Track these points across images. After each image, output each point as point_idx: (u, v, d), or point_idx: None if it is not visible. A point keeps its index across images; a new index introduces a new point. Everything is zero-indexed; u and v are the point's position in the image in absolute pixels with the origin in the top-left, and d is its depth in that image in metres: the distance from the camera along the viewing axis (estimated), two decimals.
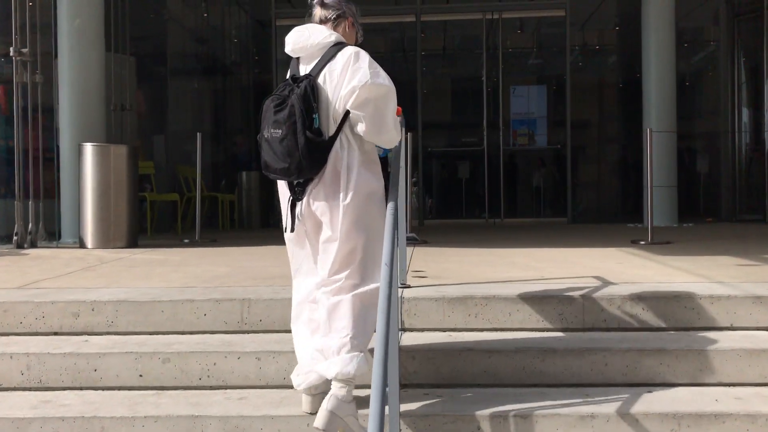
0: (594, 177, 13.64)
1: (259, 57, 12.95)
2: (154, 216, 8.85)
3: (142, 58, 10.24)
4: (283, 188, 2.88)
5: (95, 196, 6.23)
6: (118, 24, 9.22)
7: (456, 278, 4.29)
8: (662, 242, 6.50)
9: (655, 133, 8.39)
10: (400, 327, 3.60)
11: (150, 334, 3.57)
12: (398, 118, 2.90)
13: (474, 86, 11.54)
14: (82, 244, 6.33)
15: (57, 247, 6.40)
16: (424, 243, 6.85)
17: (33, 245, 6.38)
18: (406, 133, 7.01)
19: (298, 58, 2.86)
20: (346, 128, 2.77)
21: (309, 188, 2.78)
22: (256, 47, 13.19)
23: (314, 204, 2.79)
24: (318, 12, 2.92)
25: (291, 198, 2.82)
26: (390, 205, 2.80)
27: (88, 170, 6.25)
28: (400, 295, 3.66)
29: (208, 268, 4.96)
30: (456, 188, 12.38)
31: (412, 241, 6.82)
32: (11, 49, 6.53)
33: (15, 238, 6.23)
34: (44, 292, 3.93)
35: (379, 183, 2.90)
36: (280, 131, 2.66)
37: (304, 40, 2.81)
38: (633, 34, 9.66)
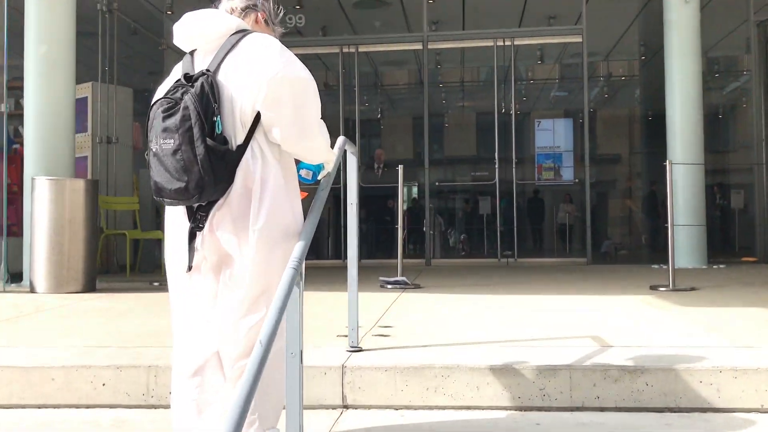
0: (617, 214, 12.85)
1: None
2: (138, 255, 8.32)
3: (141, 90, 9.85)
4: (175, 216, 2.22)
5: (47, 235, 5.66)
6: (106, 54, 8.83)
7: (428, 337, 3.60)
8: (685, 289, 5.70)
9: (681, 166, 7.69)
10: (341, 403, 2.90)
11: (36, 407, 2.92)
12: (323, 124, 2.28)
13: (486, 118, 10.91)
14: (32, 288, 5.74)
15: (4, 292, 5.82)
16: (416, 288, 6.14)
17: None
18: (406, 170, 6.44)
19: (192, 53, 2.26)
20: (258, 134, 2.15)
21: (212, 212, 2.13)
22: None
23: (219, 231, 2.14)
24: (223, 4, 2.36)
25: (191, 227, 2.15)
26: (297, 247, 2.11)
27: (40, 206, 5.69)
28: (344, 362, 2.98)
29: (150, 320, 4.31)
30: (467, 225, 11.70)
31: (401, 286, 6.13)
32: None
33: None
34: None
35: (297, 215, 2.27)
36: (171, 141, 2.04)
37: (197, 28, 2.22)
38: (659, 63, 8.98)
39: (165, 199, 2.13)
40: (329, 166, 2.47)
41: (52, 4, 6.40)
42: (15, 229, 7.16)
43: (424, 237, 10.19)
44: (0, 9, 6.90)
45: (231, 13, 2.33)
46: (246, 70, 2.12)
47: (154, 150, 2.09)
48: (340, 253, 10.23)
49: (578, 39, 9.76)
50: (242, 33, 2.21)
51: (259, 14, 2.37)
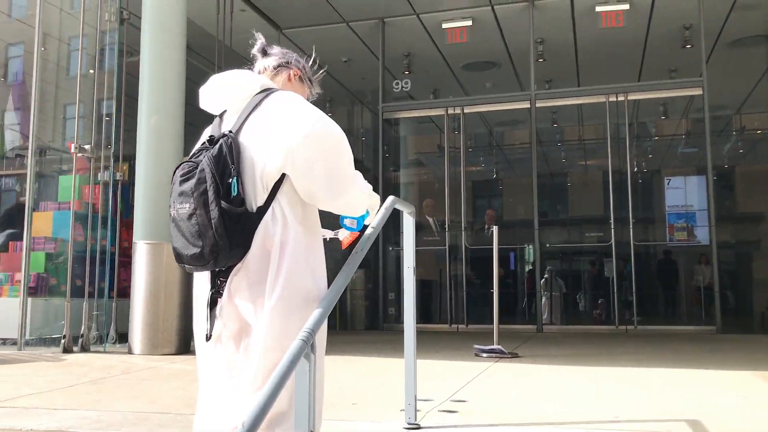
0: (752, 278, 11.72)
1: (390, 154, 12.62)
2: None
3: None
4: (201, 282, 2.11)
5: (144, 298, 5.83)
6: None
7: (501, 414, 3.29)
8: None
9: None
10: None
11: None
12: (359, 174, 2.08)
13: (605, 176, 10.40)
14: (130, 350, 5.90)
15: (105, 352, 6.01)
16: (512, 357, 5.77)
17: (84, 349, 6.05)
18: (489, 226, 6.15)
19: (221, 116, 2.18)
20: (280, 195, 2.02)
21: (230, 277, 2.01)
22: (386, 145, 12.91)
23: (236, 297, 2.02)
24: (258, 63, 2.28)
25: (211, 293, 2.04)
26: (313, 315, 1.94)
27: (140, 269, 5.90)
28: None
29: None
30: (584, 290, 11.08)
31: (496, 355, 5.78)
32: (72, 145, 6.49)
33: (63, 341, 5.93)
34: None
35: (319, 280, 2.10)
36: (187, 205, 1.94)
37: (221, 91, 2.14)
38: None
39: (185, 265, 2.03)
40: (373, 212, 2.31)
41: (164, 77, 6.75)
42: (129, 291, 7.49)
43: (539, 302, 9.72)
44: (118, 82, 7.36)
45: (262, 73, 2.26)
46: (269, 131, 2.02)
47: (172, 215, 2.01)
48: (446, 317, 9.97)
49: (698, 92, 9.16)
50: (267, 92, 2.11)
51: (291, 72, 2.27)
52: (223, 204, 1.92)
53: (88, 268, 6.47)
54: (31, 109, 6.91)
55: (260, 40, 2.29)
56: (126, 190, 7.36)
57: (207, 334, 2.07)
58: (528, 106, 9.87)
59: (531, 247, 10.01)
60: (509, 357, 5.75)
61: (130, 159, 7.08)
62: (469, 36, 9.93)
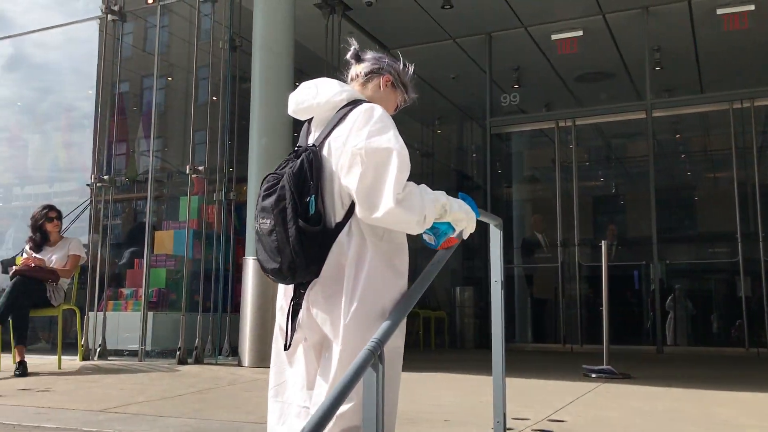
0: None
1: (502, 170, 12.47)
2: None
3: None
4: (285, 290, 2.17)
5: (252, 312, 6.03)
6: None
7: None
8: None
9: None
10: None
11: None
12: (419, 192, 1.98)
13: (725, 189, 9.76)
14: (240, 362, 6.11)
15: (216, 364, 6.25)
16: (623, 378, 5.49)
17: (198, 361, 6.32)
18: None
19: (309, 123, 2.20)
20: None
21: (308, 289, 2.05)
22: (498, 160, 12.75)
23: (313, 309, 2.05)
24: (351, 70, 2.29)
25: (293, 303, 2.09)
26: (381, 327, 1.92)
27: (248, 284, 6.11)
28: None
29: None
30: (711, 309, 10.39)
31: (606, 375, 5.52)
32: (187, 167, 6.83)
33: (178, 353, 6.23)
34: (106, 418, 3.61)
35: (400, 293, 2.07)
36: (268, 221, 2.00)
37: (309, 99, 2.16)
38: None
39: (270, 277, 2.09)
40: (458, 228, 2.16)
41: (272, 100, 6.99)
42: None
43: (659, 322, 9.21)
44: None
45: (353, 80, 2.27)
46: (343, 145, 2.02)
47: (256, 228, 2.07)
48: (560, 336, 9.65)
49: None
50: (352, 105, 2.10)
51: (383, 78, 2.25)
52: (300, 222, 1.95)
53: (202, 284, 6.78)
54: (151, 137, 7.37)
55: (354, 45, 2.29)
56: (240, 209, 7.66)
57: (285, 343, 2.12)
58: (644, 116, 9.45)
59: (650, 264, 9.51)
60: (620, 378, 5.48)
61: (244, 179, 7.37)
62: (580, 46, 9.66)
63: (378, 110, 2.06)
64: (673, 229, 12.45)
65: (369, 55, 2.30)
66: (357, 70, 2.27)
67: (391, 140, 1.98)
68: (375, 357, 1.88)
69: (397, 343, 2.07)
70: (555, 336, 9.91)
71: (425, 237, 2.15)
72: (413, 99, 2.36)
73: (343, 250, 2.00)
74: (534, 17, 9.30)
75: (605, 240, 6.13)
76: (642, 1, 8.86)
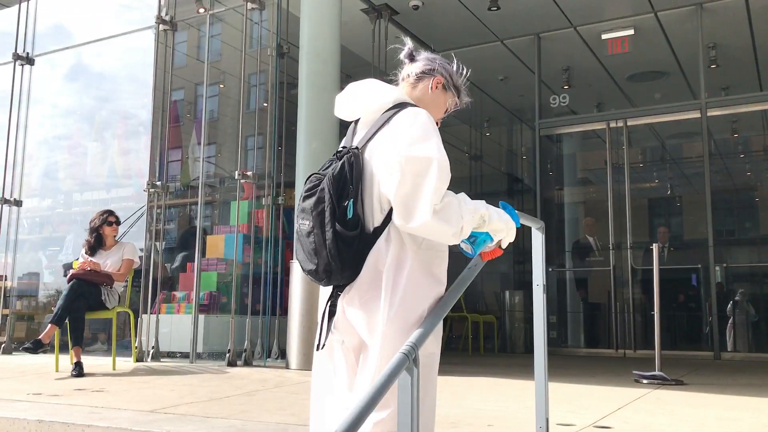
0: None
1: (554, 172, 12.29)
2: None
3: None
4: (325, 290, 2.17)
5: (299, 314, 6.09)
6: None
7: None
8: None
9: None
10: None
11: None
12: (458, 203, 1.98)
13: None
14: (287, 365, 6.18)
15: (264, 366, 6.33)
16: (676, 384, 5.35)
17: (247, 363, 6.41)
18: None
19: (356, 124, 2.21)
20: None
21: (344, 291, 2.06)
22: (549, 162, 12.56)
23: (349, 312, 2.06)
24: (404, 69, 2.27)
25: (330, 303, 2.10)
26: (416, 332, 1.92)
27: (295, 287, 6.18)
28: None
29: None
30: None
31: (658, 381, 5.39)
32: (236, 172, 6.95)
33: (227, 355, 6.34)
34: (155, 419, 3.69)
35: (434, 296, 2.07)
36: (307, 222, 2.01)
37: (355, 100, 2.16)
38: None
39: (308, 276, 2.10)
40: (497, 238, 2.14)
41: (319, 105, 7.06)
42: None
43: (716, 327, 8.95)
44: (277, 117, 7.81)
45: (404, 80, 2.25)
46: (385, 150, 2.02)
47: (296, 228, 2.09)
48: (613, 341, 9.45)
49: None
50: (398, 108, 2.09)
51: (434, 80, 2.23)
52: (338, 226, 1.95)
53: (251, 287, 6.88)
54: (203, 143, 7.53)
55: (408, 45, 2.27)
56: (289, 213, 7.75)
57: (318, 344, 2.14)
58: (698, 115, 9.20)
59: (707, 267, 9.24)
60: (672, 384, 5.34)
61: (292, 184, 7.46)
62: (632, 45, 9.47)
63: (422, 116, 2.03)
64: (732, 231, 12.09)
65: (422, 55, 2.27)
66: (409, 70, 2.25)
67: (432, 149, 1.95)
68: (410, 360, 1.89)
69: (432, 349, 2.07)
70: (608, 341, 9.71)
71: (462, 246, 2.14)
72: (466, 104, 2.33)
73: (381, 256, 2.00)
74: (583, 17, 9.16)
75: (656, 243, 5.99)
76: None
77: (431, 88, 2.22)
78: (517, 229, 2.16)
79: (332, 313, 2.11)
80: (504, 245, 2.17)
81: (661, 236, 10.38)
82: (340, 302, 2.08)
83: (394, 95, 2.13)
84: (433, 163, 1.93)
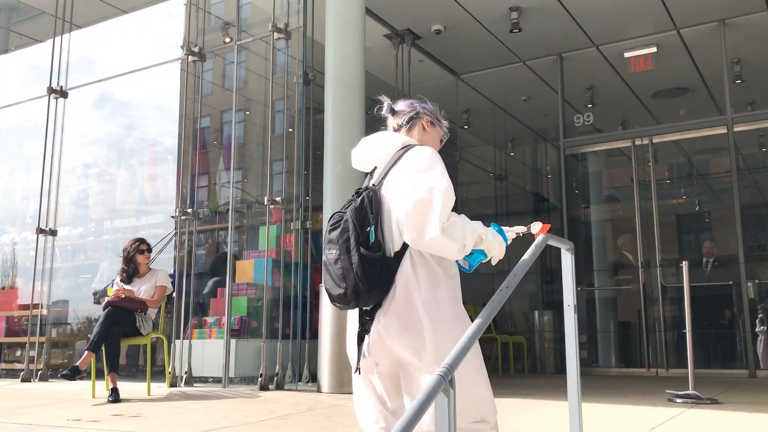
0: None
1: (580, 190, 12.27)
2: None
3: None
4: (352, 319, 2.38)
5: (330, 337, 6.13)
6: None
7: None
8: None
9: None
10: None
11: None
12: (461, 223, 2.21)
13: None
14: (319, 388, 6.22)
15: (296, 390, 6.37)
16: (710, 403, 5.29)
17: (279, 387, 6.45)
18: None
19: (372, 171, 2.47)
20: None
21: (378, 316, 2.23)
22: (575, 181, 12.54)
23: (388, 335, 2.22)
24: (390, 122, 2.56)
25: (358, 330, 2.30)
26: (451, 354, 1.97)
27: (325, 310, 6.22)
28: None
29: None
30: None
31: (692, 400, 5.34)
32: (265, 198, 7.05)
33: (259, 379, 6.39)
34: None
35: (458, 310, 2.31)
36: (334, 251, 2.25)
37: (368, 150, 2.45)
38: None
39: (336, 304, 2.28)
40: (490, 255, 2.34)
41: (345, 130, 7.15)
42: None
43: (750, 344, 8.82)
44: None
45: (398, 130, 2.51)
46: (398, 182, 2.27)
47: (323, 259, 2.31)
48: (644, 360, 9.35)
49: None
50: (406, 148, 2.36)
51: (423, 121, 2.51)
52: (362, 250, 2.18)
53: (281, 311, 6.95)
54: (231, 169, 7.66)
55: (385, 101, 2.55)
56: (316, 237, 7.83)
57: (356, 368, 2.32)
58: (725, 131, 9.16)
59: (738, 284, 9.12)
60: (706, 403, 5.29)
61: (320, 208, 7.54)
62: (655, 62, 9.47)
63: (427, 150, 2.32)
64: (763, 246, 11.93)
65: (401, 104, 2.55)
66: (397, 121, 2.52)
67: (438, 175, 2.22)
68: (446, 382, 1.94)
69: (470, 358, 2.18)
70: (639, 360, 9.61)
71: (460, 262, 2.37)
72: (447, 129, 2.60)
73: (409, 277, 2.21)
74: (605, 36, 9.21)
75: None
76: (718, 15, 8.65)
77: (424, 127, 2.51)
78: (507, 248, 2.37)
79: (360, 339, 2.29)
80: (494, 262, 2.39)
81: (707, 251, 10.22)
82: (375, 327, 2.23)
83: (401, 139, 2.41)
84: (440, 188, 2.18)
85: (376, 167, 2.43)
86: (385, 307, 2.20)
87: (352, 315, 2.35)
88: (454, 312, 2.25)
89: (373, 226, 2.21)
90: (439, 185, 2.17)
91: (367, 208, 2.23)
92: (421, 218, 2.14)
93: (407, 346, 2.19)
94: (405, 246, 2.22)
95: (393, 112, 2.53)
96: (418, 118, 2.50)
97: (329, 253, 2.25)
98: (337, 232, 2.24)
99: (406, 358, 2.21)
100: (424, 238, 2.14)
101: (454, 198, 2.19)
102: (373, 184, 2.32)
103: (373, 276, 2.17)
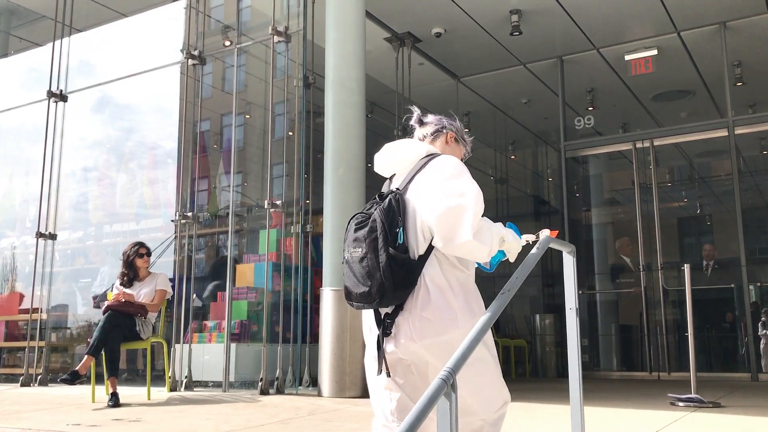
0: None
1: (581, 193, 12.26)
2: None
3: None
4: (369, 321, 2.39)
5: (330, 342, 6.11)
6: None
7: None
8: None
9: None
10: None
11: None
12: (488, 226, 2.30)
13: None
14: (320, 392, 6.19)
15: (297, 394, 6.34)
16: (713, 407, 5.27)
17: (279, 391, 6.43)
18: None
19: (391, 177, 2.52)
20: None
21: (399, 318, 2.26)
22: (576, 183, 12.52)
23: (411, 336, 2.24)
24: (416, 132, 2.65)
25: (379, 333, 2.31)
26: (453, 357, 1.97)
27: (326, 315, 6.20)
28: None
29: None
30: None
31: (694, 404, 5.32)
32: (265, 201, 7.03)
33: (259, 383, 6.36)
34: None
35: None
36: (359, 250, 2.27)
37: (393, 157, 2.50)
38: None
39: (353, 303, 2.32)
40: (509, 254, 2.45)
41: (346, 133, 7.13)
42: None
43: (752, 347, 8.78)
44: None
45: (423, 140, 2.59)
46: (426, 189, 2.31)
47: (345, 257, 2.33)
48: (646, 364, 9.32)
49: None
50: (431, 156, 2.41)
51: (447, 135, 2.59)
52: (391, 250, 2.21)
53: (282, 315, 6.92)
54: (231, 173, 7.64)
55: (416, 112, 2.63)
56: (317, 240, 7.81)
57: (379, 369, 2.32)
58: (726, 134, 9.15)
59: (740, 287, 9.09)
60: (708, 407, 5.26)
61: (320, 212, 7.52)
62: (656, 65, 9.47)
63: (454, 159, 2.39)
64: (765, 249, 11.91)
65: (430, 117, 2.65)
66: (423, 131, 2.61)
67: (468, 182, 2.28)
68: (447, 386, 1.93)
69: (479, 354, 2.22)
70: (641, 363, 9.58)
71: (482, 262, 2.42)
72: (469, 152, 2.67)
73: (436, 278, 2.25)
74: (606, 39, 9.20)
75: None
76: (719, 17, 8.64)
77: (447, 141, 2.59)
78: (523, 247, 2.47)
79: (381, 341, 2.30)
80: (512, 259, 2.46)
81: (707, 254, 10.20)
82: (397, 327, 2.26)
83: (426, 147, 2.47)
84: (470, 194, 2.23)
85: (394, 174, 2.48)
86: (410, 309, 2.24)
87: (368, 317, 2.37)
88: (469, 319, 2.26)
89: (401, 228, 2.25)
90: (470, 191, 2.23)
91: (395, 209, 2.27)
92: (454, 223, 2.19)
93: (426, 349, 2.22)
94: (428, 250, 2.27)
95: (421, 122, 2.61)
96: (444, 132, 2.58)
97: (354, 252, 2.27)
98: (364, 231, 2.25)
99: (434, 363, 2.22)
100: (457, 242, 2.19)
101: (484, 203, 2.25)
102: (398, 189, 2.36)
103: (398, 276, 2.20)
